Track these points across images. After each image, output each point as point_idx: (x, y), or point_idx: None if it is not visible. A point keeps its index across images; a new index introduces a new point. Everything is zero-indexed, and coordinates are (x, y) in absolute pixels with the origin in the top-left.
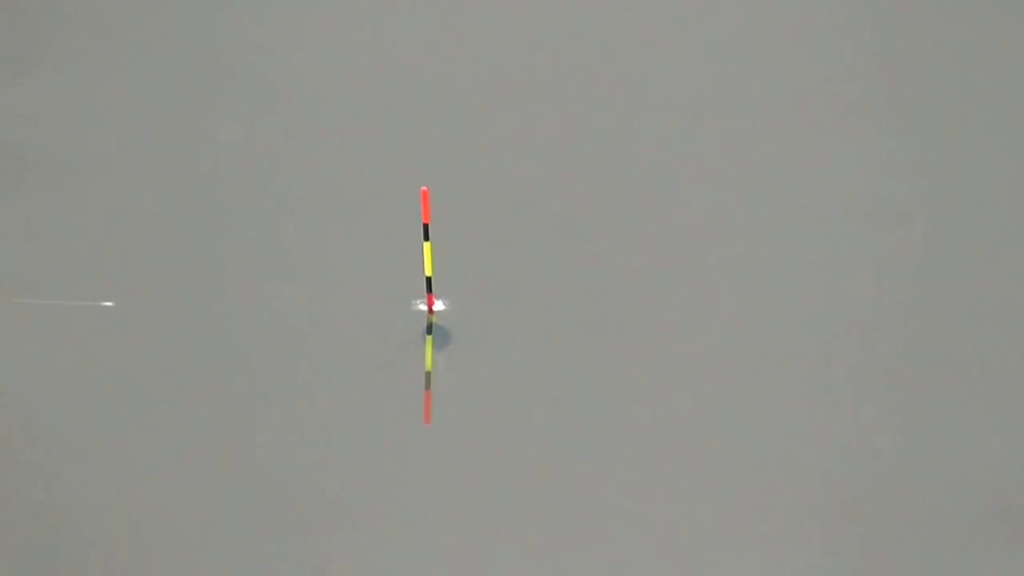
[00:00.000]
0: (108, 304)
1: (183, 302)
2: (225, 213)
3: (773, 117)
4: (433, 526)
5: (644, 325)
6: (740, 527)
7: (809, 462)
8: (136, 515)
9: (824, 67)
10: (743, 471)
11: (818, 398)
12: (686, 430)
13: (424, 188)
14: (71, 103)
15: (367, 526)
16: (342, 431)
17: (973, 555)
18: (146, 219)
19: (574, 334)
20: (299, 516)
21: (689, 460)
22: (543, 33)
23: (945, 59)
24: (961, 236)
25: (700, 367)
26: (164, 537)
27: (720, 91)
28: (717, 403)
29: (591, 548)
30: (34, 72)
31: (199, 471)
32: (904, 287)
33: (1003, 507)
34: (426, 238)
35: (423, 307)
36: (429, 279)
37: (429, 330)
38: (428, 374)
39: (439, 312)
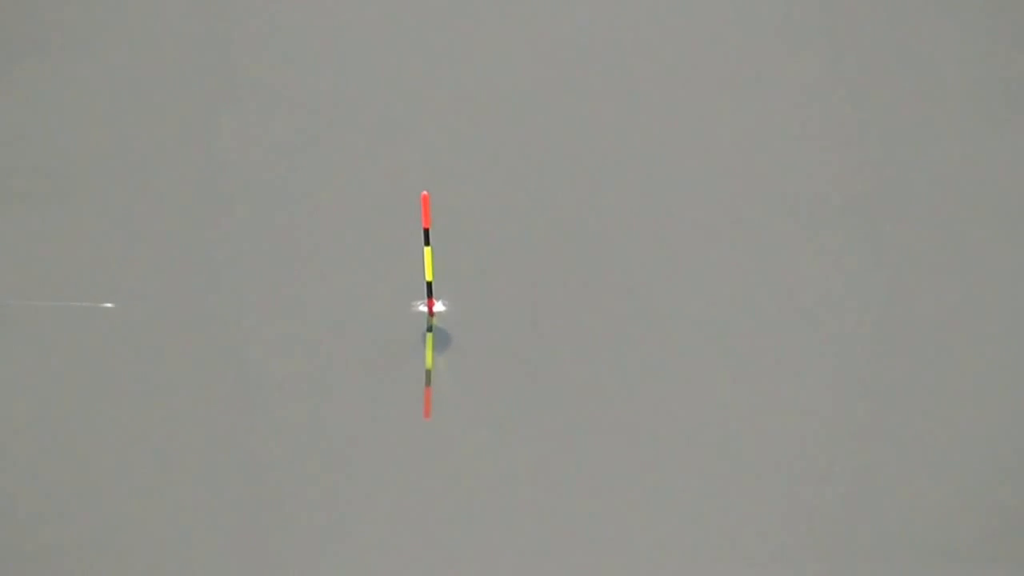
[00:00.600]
0: (108, 305)
1: (183, 303)
2: (226, 215)
3: (773, 119)
4: (433, 524)
5: (643, 326)
6: (740, 527)
7: (809, 462)
8: (135, 515)
9: (820, 67)
10: (743, 470)
11: (817, 399)
12: (685, 429)
13: (424, 193)
14: (71, 104)
15: (367, 525)
16: (342, 430)
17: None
18: (146, 220)
19: (573, 335)
20: (300, 515)
21: (688, 459)
22: (544, 38)
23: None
24: (944, 236)
25: (699, 367)
26: (164, 537)
27: (721, 92)
28: (717, 404)
29: (590, 547)
30: (33, 73)
31: (199, 471)
32: (895, 286)
33: (992, 512)
34: (426, 243)
35: (423, 308)
36: (430, 284)
37: (429, 330)
38: (428, 372)
39: (439, 314)
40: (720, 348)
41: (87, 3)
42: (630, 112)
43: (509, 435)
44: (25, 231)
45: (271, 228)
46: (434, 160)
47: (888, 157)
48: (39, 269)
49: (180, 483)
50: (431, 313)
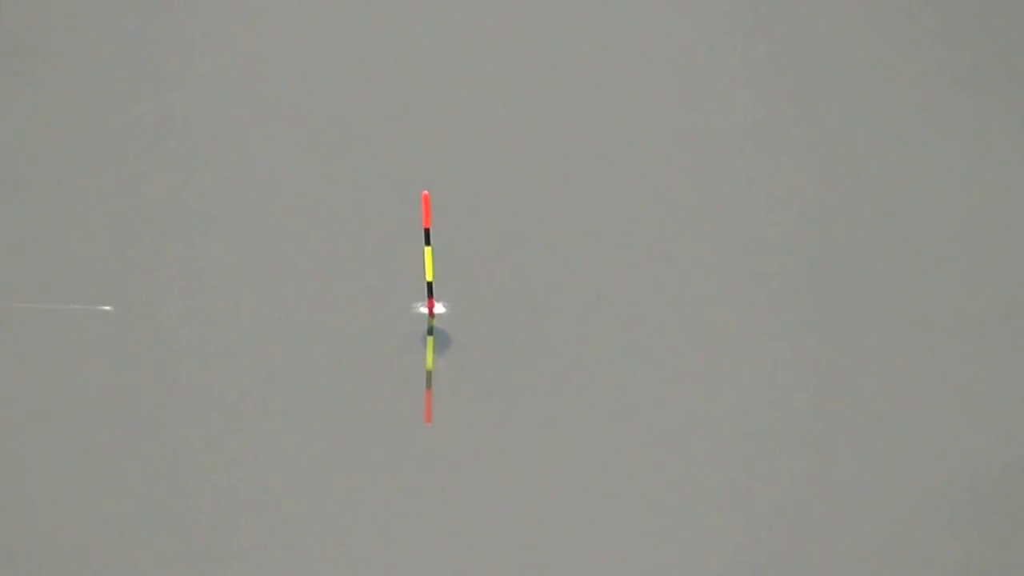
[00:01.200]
0: (106, 308)
1: (182, 306)
2: (224, 216)
3: (774, 121)
4: (433, 526)
5: (645, 326)
6: (739, 526)
7: (809, 462)
8: (134, 516)
9: (810, 71)
10: (742, 470)
11: (818, 398)
12: (685, 430)
13: (425, 192)
14: (69, 104)
15: (367, 526)
16: (342, 431)
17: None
18: (145, 222)
19: (573, 336)
20: (300, 518)
21: (689, 460)
22: (547, 39)
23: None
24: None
25: (699, 368)
26: (161, 540)
27: (721, 93)
28: (716, 404)
29: (593, 549)
30: (29, 73)
31: (197, 474)
32: (895, 284)
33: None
34: (427, 243)
35: (423, 310)
36: (430, 285)
37: (430, 332)
38: (429, 373)
39: (439, 315)
40: (722, 348)
41: (77, 5)
42: (631, 112)
43: (510, 436)
44: (22, 233)
45: (270, 229)
46: (435, 159)
47: (871, 161)
48: (36, 272)
49: (178, 486)
50: (431, 314)
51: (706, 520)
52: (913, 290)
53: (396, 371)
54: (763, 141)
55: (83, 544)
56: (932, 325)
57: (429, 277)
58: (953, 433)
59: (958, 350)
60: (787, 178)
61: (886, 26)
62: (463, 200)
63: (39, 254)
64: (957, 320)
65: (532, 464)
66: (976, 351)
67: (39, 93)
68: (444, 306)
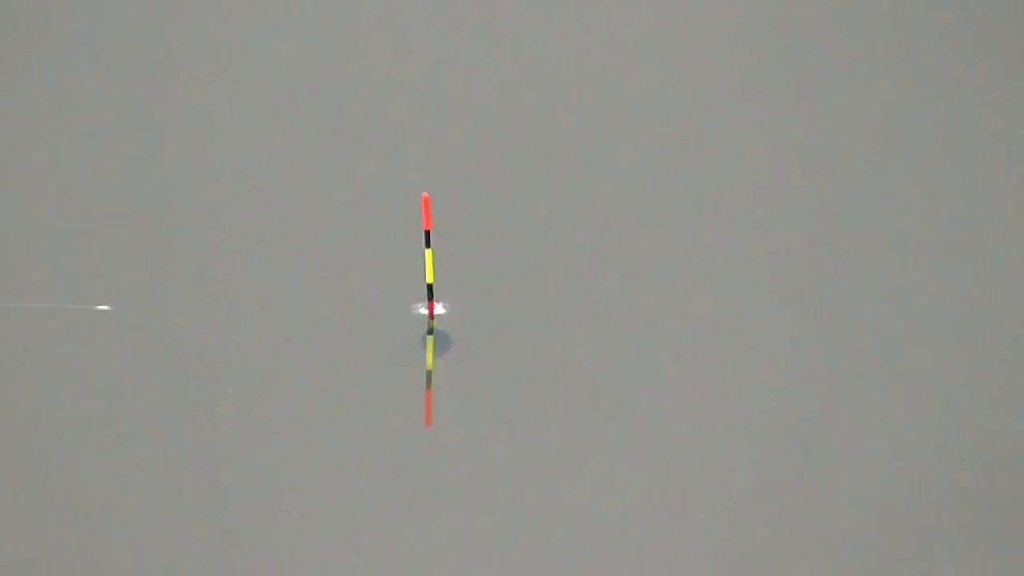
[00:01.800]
0: (104, 308)
1: (180, 306)
2: (224, 216)
3: (775, 121)
4: (432, 525)
5: (645, 327)
6: (739, 526)
7: (810, 462)
8: (132, 517)
9: (809, 71)
10: (741, 469)
11: (816, 399)
12: (685, 431)
13: (425, 194)
14: (69, 103)
15: (367, 525)
16: (342, 432)
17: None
18: (143, 222)
19: (572, 337)
20: (299, 519)
21: (688, 461)
22: (545, 41)
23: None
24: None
25: (699, 368)
26: (160, 539)
27: (722, 93)
28: (716, 404)
29: (593, 550)
30: (30, 69)
31: (196, 475)
32: (892, 284)
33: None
34: (427, 244)
35: (424, 311)
36: (430, 286)
37: (430, 332)
38: (429, 374)
39: (439, 316)
40: (721, 348)
41: (87, 4)
42: (631, 114)
43: (509, 436)
44: (20, 233)
45: (270, 229)
46: (435, 161)
47: (872, 154)
48: (34, 271)
49: (177, 487)
50: (431, 315)
51: (705, 519)
52: (910, 291)
53: (396, 371)
54: (763, 141)
55: (82, 542)
56: (930, 328)
57: (429, 279)
58: (952, 434)
59: (956, 350)
60: (787, 177)
61: (898, 25)
62: (463, 202)
63: (38, 254)
64: (956, 321)
65: (531, 464)
66: (972, 351)
67: (39, 93)
68: (444, 307)
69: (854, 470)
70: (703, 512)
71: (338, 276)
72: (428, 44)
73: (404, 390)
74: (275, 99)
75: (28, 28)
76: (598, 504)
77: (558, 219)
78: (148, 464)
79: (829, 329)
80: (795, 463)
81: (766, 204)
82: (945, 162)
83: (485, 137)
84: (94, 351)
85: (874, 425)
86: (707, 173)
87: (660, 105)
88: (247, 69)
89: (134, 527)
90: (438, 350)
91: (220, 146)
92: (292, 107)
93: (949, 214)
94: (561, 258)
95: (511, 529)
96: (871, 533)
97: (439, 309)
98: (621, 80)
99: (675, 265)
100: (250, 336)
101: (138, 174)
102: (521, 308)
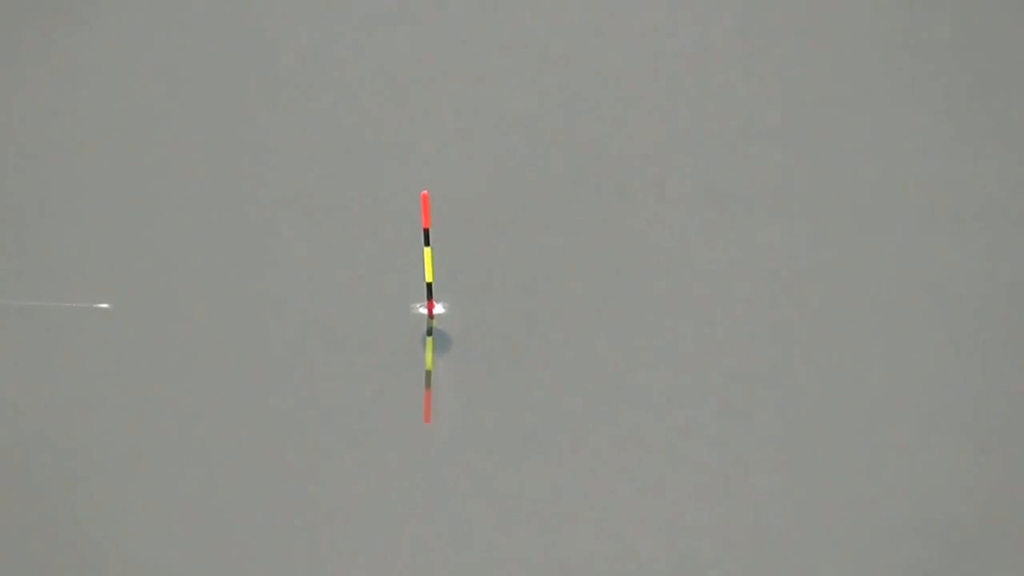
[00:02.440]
0: (104, 306)
1: (180, 304)
2: (224, 215)
3: (779, 122)
4: (432, 525)
5: (642, 327)
6: (740, 526)
7: (809, 462)
8: (132, 517)
9: (828, 64)
10: (741, 469)
11: (817, 398)
12: (683, 429)
13: (424, 192)
14: (69, 102)
15: (367, 524)
16: (342, 432)
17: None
18: (143, 221)
19: (572, 336)
20: (299, 518)
21: (687, 458)
22: (546, 38)
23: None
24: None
25: (699, 368)
26: (161, 538)
27: (723, 94)
28: (716, 404)
29: (592, 550)
30: (32, 69)
31: (196, 473)
32: (893, 282)
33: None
34: (426, 243)
35: (423, 310)
36: (430, 285)
37: (429, 332)
38: (428, 373)
39: (439, 315)
40: (721, 348)
41: (92, 3)
42: (630, 113)
43: (509, 435)
44: (20, 231)
45: (270, 229)
46: (434, 159)
47: (873, 152)
48: (35, 269)
49: (177, 485)
50: (431, 315)
51: (704, 517)
52: (907, 291)
53: (396, 371)
54: (763, 142)
55: (81, 540)
56: (941, 328)
57: (429, 278)
58: (947, 437)
59: (953, 351)
60: (786, 178)
61: (890, 32)
62: (463, 201)
63: (38, 252)
64: (954, 320)
65: (531, 463)
66: (968, 351)
67: (39, 92)
68: (444, 306)
69: (858, 471)
70: (703, 512)
71: (338, 275)
72: (428, 43)
73: (404, 389)
74: (275, 99)
75: (28, 28)
76: (598, 503)
77: (558, 218)
78: (148, 462)
79: (828, 329)
80: (796, 464)
81: (766, 204)
82: (946, 162)
83: (485, 134)
84: (94, 349)
85: (882, 426)
86: (707, 173)
87: (661, 104)
88: (247, 69)
89: (134, 526)
90: (438, 349)
91: (220, 146)
92: (292, 107)
93: (954, 215)
94: (561, 258)
95: (511, 529)
96: (874, 533)
97: (439, 309)
98: (621, 80)
99: (675, 265)
100: (250, 335)
101: (138, 173)
102: (521, 308)
